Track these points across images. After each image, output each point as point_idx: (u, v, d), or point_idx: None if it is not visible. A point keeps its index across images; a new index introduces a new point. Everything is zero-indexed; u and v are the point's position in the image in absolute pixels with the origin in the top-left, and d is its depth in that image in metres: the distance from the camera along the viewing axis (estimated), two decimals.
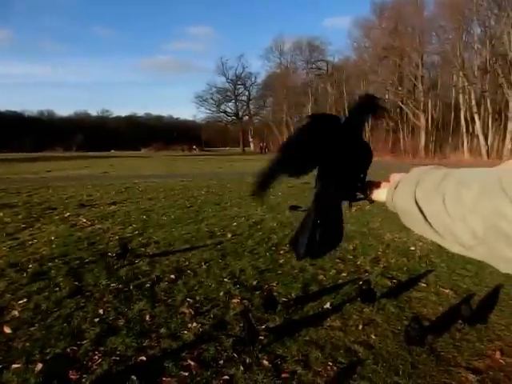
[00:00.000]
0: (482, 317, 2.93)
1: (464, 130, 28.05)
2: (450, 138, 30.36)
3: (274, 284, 3.61)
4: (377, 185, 0.73)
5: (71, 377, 2.22)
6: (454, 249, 0.54)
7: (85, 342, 2.59)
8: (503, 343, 2.61)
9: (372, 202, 0.75)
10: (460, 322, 2.82)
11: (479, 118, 26.56)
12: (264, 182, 0.67)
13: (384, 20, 34.50)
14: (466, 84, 26.85)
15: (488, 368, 2.34)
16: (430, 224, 0.55)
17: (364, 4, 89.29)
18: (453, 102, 30.11)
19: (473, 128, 27.64)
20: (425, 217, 0.55)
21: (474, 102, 26.60)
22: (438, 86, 31.94)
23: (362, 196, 0.75)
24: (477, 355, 2.47)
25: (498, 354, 2.47)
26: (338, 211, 0.72)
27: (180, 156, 40.30)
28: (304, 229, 0.70)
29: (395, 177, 0.67)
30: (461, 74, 26.94)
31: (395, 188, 0.64)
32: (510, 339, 2.65)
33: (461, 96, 28.09)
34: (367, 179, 0.75)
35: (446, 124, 31.75)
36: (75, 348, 2.51)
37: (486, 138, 26.39)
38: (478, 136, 26.83)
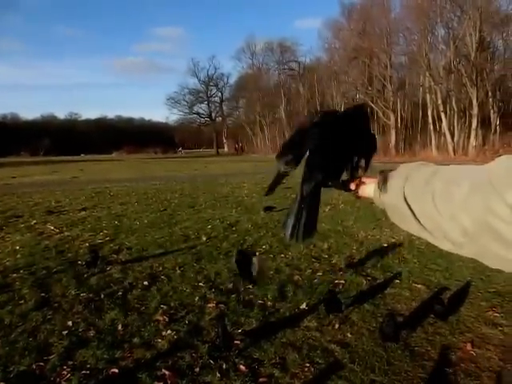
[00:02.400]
0: (453, 310, 3.00)
1: (431, 128, 29.00)
2: (419, 136, 31.33)
3: (250, 286, 3.57)
4: (363, 181, 0.71)
5: None
6: (444, 246, 0.54)
7: (52, 356, 2.46)
8: (474, 335, 2.68)
9: (358, 197, 0.73)
10: (433, 316, 2.88)
11: (445, 117, 27.53)
12: (274, 184, 0.74)
13: (353, 21, 35.22)
14: (433, 84, 27.78)
15: (460, 360, 2.40)
16: (419, 221, 0.54)
17: (333, 5, 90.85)
18: (420, 101, 31.10)
19: (440, 126, 28.62)
20: (414, 214, 0.55)
21: (440, 101, 27.54)
22: (406, 86, 32.89)
23: (349, 188, 0.73)
24: (449, 348, 2.53)
25: (469, 346, 2.53)
26: (318, 197, 0.70)
27: (153, 159, 39.65)
28: (291, 212, 0.69)
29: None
30: (427, 74, 27.84)
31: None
32: (480, 331, 2.73)
33: (428, 95, 29.03)
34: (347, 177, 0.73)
35: (415, 122, 32.76)
36: (42, 364, 2.38)
37: (452, 136, 27.38)
38: (444, 134, 27.82)
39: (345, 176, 0.74)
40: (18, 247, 5.02)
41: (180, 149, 60.60)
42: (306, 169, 0.70)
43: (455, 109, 27.50)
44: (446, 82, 27.32)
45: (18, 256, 4.63)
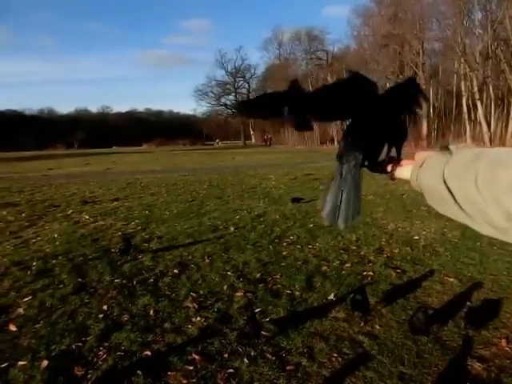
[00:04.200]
0: (490, 314, 2.90)
1: (466, 117, 27.78)
2: (453, 126, 30.10)
3: (278, 276, 3.60)
4: (400, 162, 0.69)
5: (77, 373, 2.23)
6: (485, 231, 0.52)
7: (90, 337, 2.60)
8: (509, 331, 2.60)
9: (394, 179, 0.71)
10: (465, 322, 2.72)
11: (482, 105, 26.26)
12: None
13: (383, 7, 34.04)
14: (468, 70, 26.52)
15: (494, 356, 2.33)
16: (459, 205, 0.52)
17: None
18: (455, 88, 29.79)
19: (475, 115, 27.36)
20: (453, 197, 0.53)
21: (476, 89, 26.28)
22: (439, 74, 31.60)
23: (385, 170, 0.71)
24: (483, 343, 2.46)
25: (503, 342, 2.46)
26: (359, 178, 0.67)
27: (182, 150, 40.27)
28: (328, 195, 0.66)
29: (420, 155, 0.64)
30: (462, 60, 26.60)
31: (421, 166, 0.60)
32: None
33: (463, 83, 27.77)
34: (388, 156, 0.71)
35: (448, 112, 31.46)
36: (80, 344, 2.52)
37: (488, 125, 26.12)
38: (480, 123, 26.58)
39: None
40: (56, 235, 5.27)
41: (217, 141, 61.59)
42: (344, 148, 0.67)
43: (492, 96, 26.16)
44: (482, 68, 25.99)
45: (57, 243, 4.87)
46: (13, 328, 2.73)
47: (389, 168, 0.70)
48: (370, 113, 0.65)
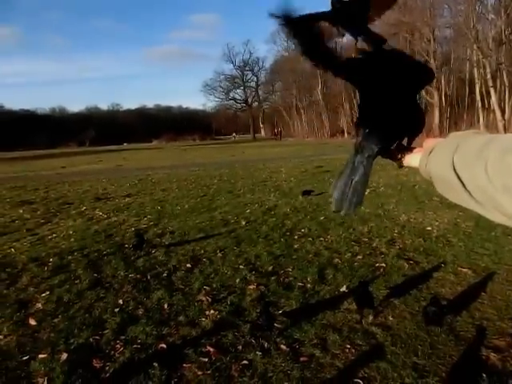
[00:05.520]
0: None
1: (479, 105, 27.20)
2: (465, 115, 29.54)
3: (290, 269, 3.62)
4: (409, 149, 0.68)
5: (95, 365, 2.29)
6: (496, 218, 0.51)
7: (106, 331, 2.65)
8: None
9: (401, 166, 0.71)
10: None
11: (495, 92, 25.66)
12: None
13: None
14: (481, 57, 25.91)
15: (510, 346, 2.31)
16: (469, 192, 0.52)
17: None
18: (467, 76, 29.18)
19: (489, 103, 26.78)
20: (463, 184, 0.52)
21: (489, 76, 25.66)
22: (451, 61, 30.96)
23: (396, 157, 0.70)
24: (498, 334, 2.44)
25: None
26: (369, 170, 0.67)
27: (191, 146, 40.43)
28: (339, 182, 0.67)
29: (429, 142, 0.63)
30: (475, 46, 25.98)
31: (430, 153, 0.60)
32: None
33: (475, 70, 27.16)
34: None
35: (461, 100, 30.86)
36: (98, 337, 2.58)
37: (502, 113, 25.54)
38: (494, 111, 26.01)
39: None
40: (71, 232, 5.38)
41: (234, 134, 61.95)
42: (361, 138, 0.67)
43: (506, 83, 25.53)
44: (495, 54, 25.35)
45: (72, 240, 4.96)
46: (33, 322, 2.81)
47: (398, 155, 0.69)
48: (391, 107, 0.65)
